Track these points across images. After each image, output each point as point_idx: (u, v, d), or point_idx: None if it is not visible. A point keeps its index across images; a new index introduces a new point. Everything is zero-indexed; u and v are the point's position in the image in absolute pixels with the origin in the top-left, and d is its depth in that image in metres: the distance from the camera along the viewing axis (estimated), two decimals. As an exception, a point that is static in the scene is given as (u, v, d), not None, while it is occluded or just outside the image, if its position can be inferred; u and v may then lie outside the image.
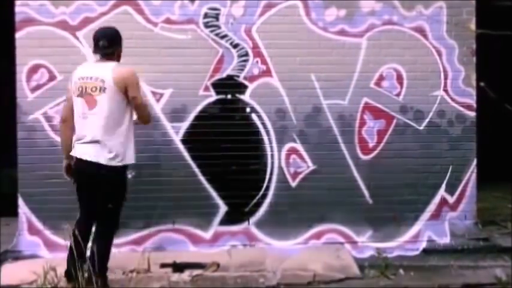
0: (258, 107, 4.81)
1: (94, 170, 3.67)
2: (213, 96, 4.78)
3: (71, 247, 3.58)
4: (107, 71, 3.69)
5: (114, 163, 3.69)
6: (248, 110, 4.81)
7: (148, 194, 4.69)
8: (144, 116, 3.90)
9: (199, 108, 4.77)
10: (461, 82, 4.95)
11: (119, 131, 3.71)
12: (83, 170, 3.74)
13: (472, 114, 4.97)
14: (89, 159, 3.67)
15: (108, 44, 3.77)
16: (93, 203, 3.74)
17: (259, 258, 4.50)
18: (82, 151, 3.71)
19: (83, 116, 3.71)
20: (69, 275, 3.60)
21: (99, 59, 3.80)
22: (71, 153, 3.80)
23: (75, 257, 3.51)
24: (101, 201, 3.67)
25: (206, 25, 4.75)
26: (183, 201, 4.71)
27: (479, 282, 4.18)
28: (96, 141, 3.66)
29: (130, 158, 3.83)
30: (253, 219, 4.81)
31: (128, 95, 3.70)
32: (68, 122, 3.87)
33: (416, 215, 4.94)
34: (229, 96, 4.79)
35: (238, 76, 4.78)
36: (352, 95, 4.88)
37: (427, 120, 4.94)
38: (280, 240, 4.82)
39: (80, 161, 3.73)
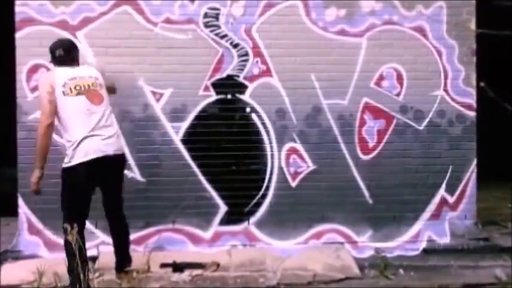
0: (258, 107, 4.81)
1: (121, 162, 3.99)
2: (213, 96, 4.78)
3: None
4: (92, 70, 3.99)
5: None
6: (248, 110, 4.81)
7: (148, 194, 4.69)
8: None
9: (199, 108, 4.77)
10: (461, 82, 4.95)
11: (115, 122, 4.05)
12: (106, 165, 3.80)
13: (472, 114, 4.97)
14: (118, 152, 3.92)
15: (73, 52, 4.02)
16: (113, 196, 3.99)
17: (259, 258, 4.50)
18: (105, 147, 3.78)
19: (89, 112, 3.78)
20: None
21: (71, 65, 3.91)
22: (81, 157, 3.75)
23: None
24: (119, 191, 4.02)
25: (206, 25, 4.75)
26: (183, 201, 4.71)
27: (479, 282, 4.18)
28: (115, 134, 3.91)
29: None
30: (253, 219, 4.82)
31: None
32: (52, 126, 3.79)
33: (416, 215, 4.94)
34: (229, 96, 4.79)
35: (238, 76, 4.78)
36: (352, 95, 4.88)
37: (427, 120, 4.94)
38: (280, 240, 4.82)
39: (102, 157, 3.75)
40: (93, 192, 3.85)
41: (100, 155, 3.73)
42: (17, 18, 4.59)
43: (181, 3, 4.73)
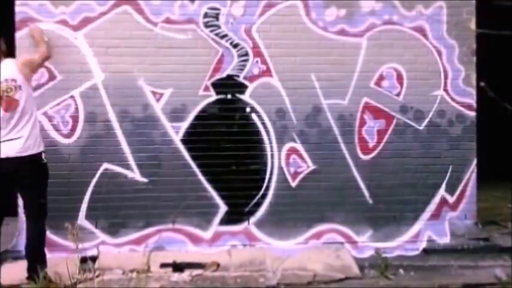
0: (258, 107, 4.81)
1: (26, 164, 3.89)
2: (213, 96, 4.78)
3: None
4: (10, 69, 3.94)
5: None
6: (248, 110, 4.81)
7: (148, 194, 4.69)
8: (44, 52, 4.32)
9: (199, 108, 4.77)
10: (461, 82, 4.95)
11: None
12: (11, 166, 3.85)
13: (472, 114, 4.97)
14: (22, 154, 3.86)
15: None
16: (24, 198, 4.06)
17: (259, 258, 4.51)
18: (5, 149, 3.84)
19: (2, 120, 3.86)
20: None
21: None
22: None
23: None
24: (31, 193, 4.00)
25: (206, 25, 4.75)
26: (183, 201, 4.71)
27: (479, 282, 4.18)
28: (22, 136, 3.89)
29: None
30: (253, 219, 4.81)
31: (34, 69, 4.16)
32: None
33: (416, 215, 4.94)
34: (229, 96, 4.79)
35: (238, 76, 4.78)
36: (352, 95, 4.88)
37: (427, 120, 4.94)
38: (280, 240, 4.82)
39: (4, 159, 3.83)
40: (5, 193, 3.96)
41: (2, 156, 3.81)
42: (17, 18, 4.58)
43: (181, 3, 4.73)
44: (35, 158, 3.92)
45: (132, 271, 4.16)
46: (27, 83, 4.01)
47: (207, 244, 4.76)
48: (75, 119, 4.65)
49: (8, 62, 4.01)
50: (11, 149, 3.84)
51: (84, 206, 4.64)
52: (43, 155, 3.99)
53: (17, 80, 3.92)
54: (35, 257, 3.94)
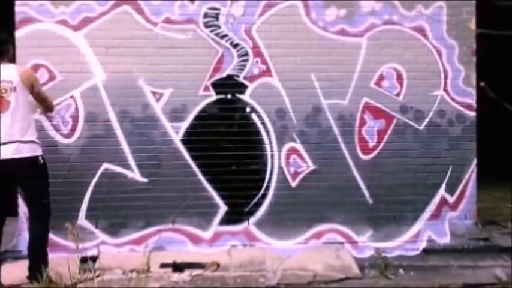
0: (258, 107, 4.81)
1: (24, 166, 3.85)
2: (213, 96, 4.78)
3: None
4: (10, 72, 3.88)
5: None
6: (248, 110, 4.81)
7: (148, 194, 4.69)
8: (50, 106, 4.23)
9: (199, 108, 4.77)
10: (461, 82, 4.95)
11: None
12: (8, 168, 3.81)
13: (472, 114, 4.97)
14: (16, 156, 3.81)
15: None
16: (26, 199, 4.10)
17: (259, 258, 4.50)
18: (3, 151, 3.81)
19: None
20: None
21: None
22: None
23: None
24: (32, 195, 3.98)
25: (206, 25, 4.75)
26: (183, 201, 4.71)
27: (479, 282, 4.18)
28: (18, 140, 3.83)
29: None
30: (253, 219, 4.81)
31: (33, 91, 3.97)
32: None
33: (416, 215, 4.94)
34: (229, 96, 4.79)
35: (238, 76, 4.78)
36: (352, 95, 4.88)
37: (427, 120, 4.94)
38: (280, 240, 4.82)
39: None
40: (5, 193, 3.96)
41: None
42: (17, 18, 4.59)
43: (181, 3, 4.73)
44: (32, 160, 3.89)
45: (132, 271, 4.16)
46: (24, 88, 3.90)
47: (207, 244, 4.76)
48: (75, 119, 4.65)
49: (9, 66, 3.96)
50: (9, 151, 3.81)
51: (84, 206, 4.64)
52: (40, 157, 3.92)
53: (13, 82, 3.86)
54: (37, 257, 3.93)
